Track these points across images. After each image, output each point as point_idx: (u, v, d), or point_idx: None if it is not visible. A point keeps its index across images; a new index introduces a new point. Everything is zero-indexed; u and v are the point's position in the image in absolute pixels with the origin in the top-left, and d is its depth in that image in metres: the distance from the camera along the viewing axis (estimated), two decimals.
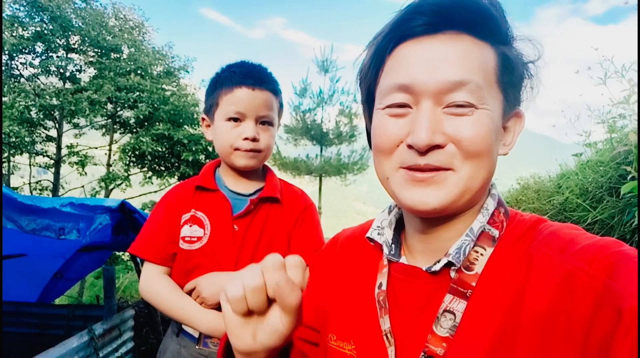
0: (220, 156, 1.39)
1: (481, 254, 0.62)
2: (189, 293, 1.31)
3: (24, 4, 11.55)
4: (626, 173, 1.79)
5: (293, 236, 1.40)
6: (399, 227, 0.78)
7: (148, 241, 1.37)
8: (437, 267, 0.63)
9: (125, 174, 13.40)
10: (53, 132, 13.42)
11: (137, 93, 12.37)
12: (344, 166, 12.54)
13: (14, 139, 11.29)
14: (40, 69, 12.40)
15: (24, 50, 12.06)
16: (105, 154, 14.20)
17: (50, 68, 12.44)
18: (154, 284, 1.32)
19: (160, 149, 12.74)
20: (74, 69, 13.11)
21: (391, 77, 0.63)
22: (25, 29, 11.92)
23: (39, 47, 12.40)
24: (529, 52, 0.65)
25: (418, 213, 0.64)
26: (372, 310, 0.70)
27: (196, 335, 1.32)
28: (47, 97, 11.60)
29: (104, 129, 14.29)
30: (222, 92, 1.31)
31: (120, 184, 13.29)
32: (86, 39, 12.73)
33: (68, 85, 12.77)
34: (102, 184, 13.17)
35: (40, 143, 13.32)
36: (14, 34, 11.66)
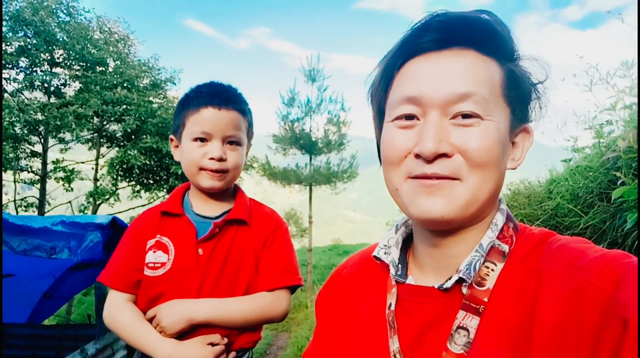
0: (188, 177, 1.36)
1: (492, 270, 0.63)
2: (151, 320, 1.28)
3: (7, 18, 11.42)
4: (616, 178, 1.83)
5: (261, 259, 1.37)
6: (405, 246, 0.78)
7: (114, 269, 1.35)
8: (449, 284, 0.64)
9: (113, 188, 13.25)
10: (38, 148, 13.23)
11: (124, 106, 12.29)
12: (333, 174, 12.55)
13: None
14: (24, 84, 12.25)
15: (7, 65, 11.91)
16: (92, 168, 14.03)
17: (35, 83, 12.30)
18: (117, 313, 1.30)
19: (148, 162, 12.65)
20: (58, 84, 12.99)
21: (400, 91, 0.65)
22: (8, 44, 11.79)
23: (23, 62, 12.28)
24: (536, 72, 0.67)
25: (427, 222, 0.64)
26: (383, 332, 0.70)
27: None
28: (32, 112, 11.45)
29: (90, 144, 14.14)
30: (188, 113, 1.30)
31: (108, 199, 13.14)
32: (71, 52, 12.64)
33: (53, 100, 12.64)
34: (90, 199, 12.99)
35: (25, 158, 13.11)
36: None
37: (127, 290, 1.32)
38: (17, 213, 12.92)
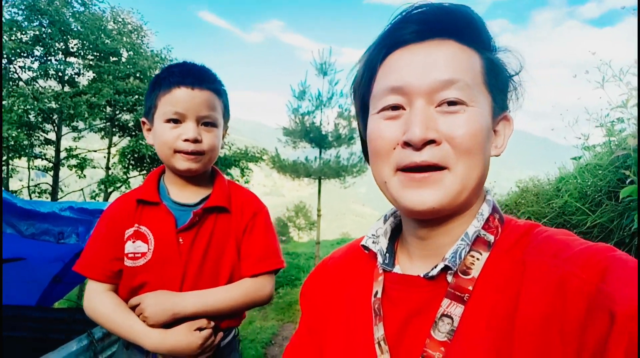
0: (162, 160, 1.31)
1: (477, 259, 0.64)
2: (133, 308, 1.27)
3: (23, 7, 11.56)
4: (625, 177, 1.79)
5: (243, 244, 1.35)
6: (394, 237, 0.79)
7: (90, 259, 1.31)
8: (435, 272, 0.64)
9: (125, 177, 13.40)
10: (52, 136, 13.43)
11: (136, 96, 12.40)
12: (342, 168, 12.52)
13: (12, 143, 11.28)
14: (39, 73, 12.42)
15: (22, 54, 12.08)
16: (104, 157, 14.20)
17: (49, 72, 12.46)
18: (97, 303, 1.27)
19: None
20: (72, 73, 13.16)
21: (384, 82, 0.66)
22: (24, 32, 11.94)
23: (38, 50, 12.44)
24: (512, 63, 0.68)
25: (417, 213, 0.64)
26: (369, 319, 0.71)
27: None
28: (46, 100, 11.62)
29: (102, 132, 14.32)
30: (160, 93, 1.24)
31: (119, 187, 13.29)
32: (85, 42, 12.77)
33: (67, 88, 12.80)
34: (102, 187, 13.17)
35: (39, 146, 13.33)
36: (12, 38, 11.68)
37: (106, 280, 1.29)
38: (30, 199, 13.16)
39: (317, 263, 12.25)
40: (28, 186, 13.49)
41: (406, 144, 0.62)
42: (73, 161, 13.52)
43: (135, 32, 14.20)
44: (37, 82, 12.64)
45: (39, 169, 13.83)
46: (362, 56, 0.71)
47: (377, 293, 0.71)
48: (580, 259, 0.55)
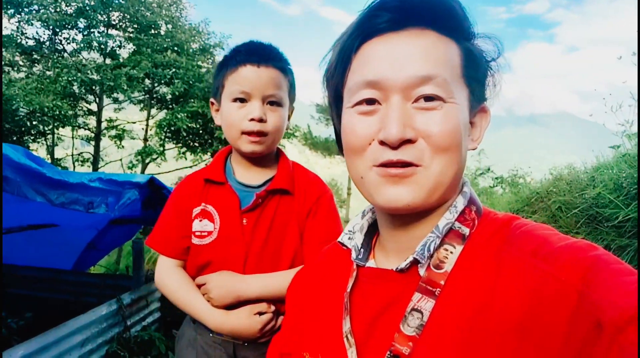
0: (229, 141, 1.33)
1: (450, 252, 0.62)
2: (199, 287, 1.32)
3: None
4: None
5: (306, 228, 1.34)
6: (372, 232, 0.78)
7: (162, 235, 1.38)
8: (404, 265, 0.63)
9: (161, 149, 13.78)
10: (94, 107, 13.94)
11: (173, 70, 12.59)
12: None
13: (57, 113, 11.78)
14: (82, 45, 12.79)
15: (67, 25, 12.45)
16: (142, 129, 14.62)
17: (92, 44, 12.81)
18: (166, 278, 1.34)
19: (194, 126, 12.98)
20: (113, 45, 13.47)
21: (359, 75, 0.64)
22: (68, 4, 12.28)
23: (82, 23, 12.77)
24: (490, 50, 0.66)
25: (393, 210, 0.64)
26: (340, 316, 0.70)
27: None
28: (89, 72, 11.98)
29: (141, 105, 14.69)
30: (227, 73, 1.26)
31: (156, 159, 13.70)
32: (126, 15, 13.01)
33: (108, 61, 13.15)
34: (139, 158, 13.62)
35: (82, 116, 13.87)
36: (57, 10, 12.03)
37: (176, 256, 1.35)
38: (74, 167, 13.81)
39: None
40: (72, 155, 14.13)
41: (382, 142, 0.61)
42: (113, 132, 14.02)
43: (174, 5, 14.29)
44: (80, 54, 13.04)
45: (82, 139, 14.43)
46: (335, 43, 0.68)
47: (347, 287, 0.71)
48: (559, 259, 0.52)
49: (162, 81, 12.93)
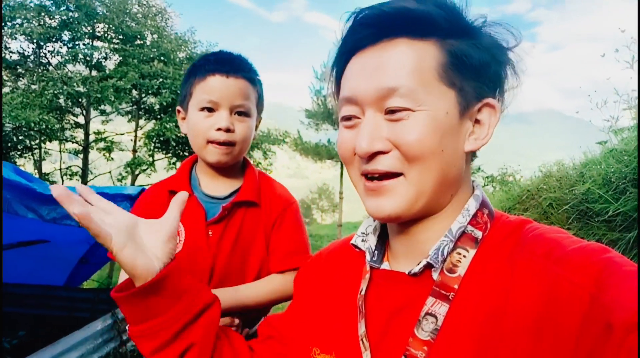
0: (195, 150, 1.32)
1: (464, 256, 0.62)
2: None
3: None
4: None
5: (272, 239, 1.34)
6: (385, 234, 0.77)
7: None
8: (417, 269, 0.63)
9: (150, 159, 13.69)
10: (81, 119, 13.81)
11: (161, 80, 12.54)
12: None
13: (44, 127, 11.65)
14: (67, 57, 12.70)
15: (51, 38, 12.35)
16: (131, 140, 14.51)
17: (78, 56, 12.72)
18: None
19: (183, 135, 12.89)
20: (99, 57, 13.38)
21: (342, 92, 0.67)
22: (51, 17, 12.18)
23: (66, 35, 12.68)
24: (504, 38, 0.63)
25: (378, 219, 0.66)
26: (354, 317, 0.70)
27: None
28: (75, 84, 11.89)
29: (129, 116, 14.59)
30: (195, 81, 1.25)
31: (145, 170, 13.60)
32: (110, 26, 12.95)
33: (94, 73, 13.05)
34: (128, 169, 13.51)
35: (69, 129, 13.73)
36: (41, 23, 11.93)
37: None
38: (62, 181, 13.64)
39: None
40: (60, 169, 13.97)
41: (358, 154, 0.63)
42: (101, 144, 13.89)
43: (160, 15, 14.26)
44: (66, 66, 12.94)
45: (70, 153, 14.28)
46: (332, 61, 0.72)
47: (362, 290, 0.71)
48: (572, 261, 0.53)
49: (150, 92, 12.87)
